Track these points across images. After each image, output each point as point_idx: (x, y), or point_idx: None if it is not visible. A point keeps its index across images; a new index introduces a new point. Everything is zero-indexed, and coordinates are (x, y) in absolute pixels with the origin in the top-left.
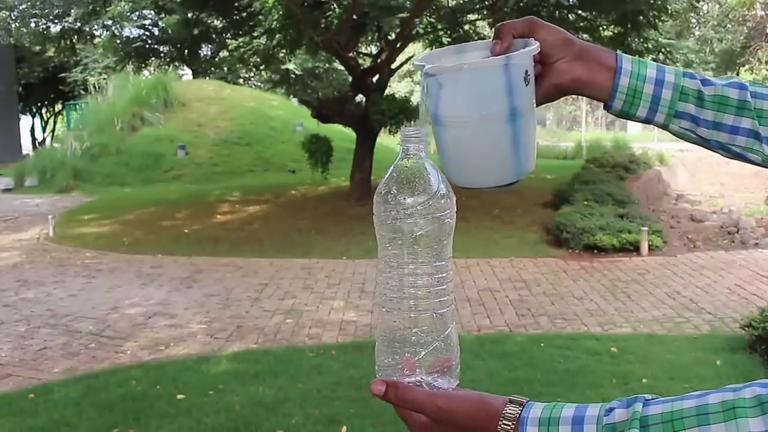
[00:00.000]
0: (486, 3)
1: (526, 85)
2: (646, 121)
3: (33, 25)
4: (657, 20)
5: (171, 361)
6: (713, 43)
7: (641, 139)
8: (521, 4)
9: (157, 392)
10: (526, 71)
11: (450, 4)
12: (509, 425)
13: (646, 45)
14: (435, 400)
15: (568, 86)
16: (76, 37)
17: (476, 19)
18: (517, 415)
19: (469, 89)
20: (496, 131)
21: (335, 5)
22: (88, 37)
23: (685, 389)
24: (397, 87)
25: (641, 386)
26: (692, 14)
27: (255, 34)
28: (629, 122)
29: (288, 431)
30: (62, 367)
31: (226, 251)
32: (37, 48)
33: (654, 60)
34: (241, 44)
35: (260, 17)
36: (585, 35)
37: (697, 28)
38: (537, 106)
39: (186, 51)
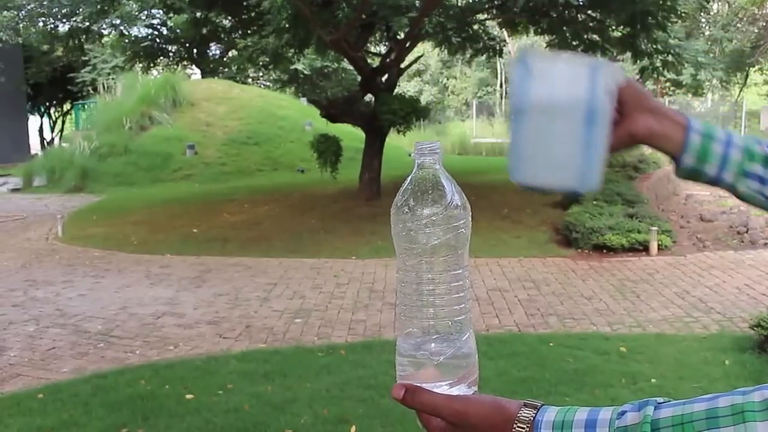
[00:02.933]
0: (495, 2)
1: (606, 98)
2: (714, 180)
3: (41, 24)
4: (666, 21)
5: (180, 361)
6: (723, 43)
7: None
8: (531, 4)
9: (166, 392)
10: (609, 88)
11: (459, 4)
12: (524, 428)
13: (655, 46)
14: (452, 404)
15: (643, 135)
16: (84, 36)
17: (485, 19)
18: (532, 419)
19: (556, 81)
20: (572, 129)
21: (344, 4)
22: (97, 37)
23: (694, 389)
24: (406, 86)
25: (650, 386)
26: (701, 14)
27: (264, 33)
28: None
29: (297, 431)
30: (71, 367)
31: (235, 251)
32: (46, 47)
33: (662, 61)
34: (249, 44)
35: (269, 16)
36: (594, 35)
37: (706, 28)
38: (611, 152)
39: (195, 50)
